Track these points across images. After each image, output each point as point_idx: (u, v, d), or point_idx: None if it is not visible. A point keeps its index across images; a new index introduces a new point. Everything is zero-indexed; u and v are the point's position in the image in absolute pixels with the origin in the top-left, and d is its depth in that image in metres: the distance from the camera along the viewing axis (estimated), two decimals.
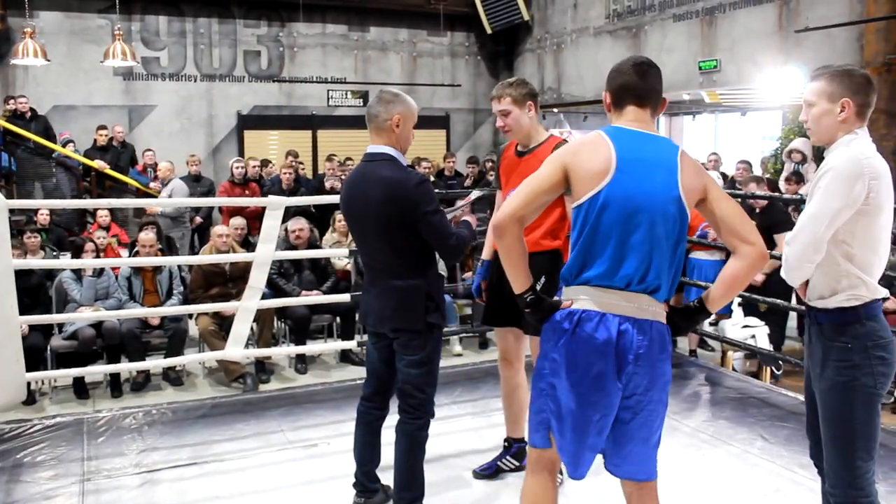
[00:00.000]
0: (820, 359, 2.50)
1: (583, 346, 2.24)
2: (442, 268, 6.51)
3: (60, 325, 5.83)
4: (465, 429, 4.43)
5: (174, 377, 5.95)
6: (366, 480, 3.37)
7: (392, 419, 3.27)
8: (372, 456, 3.35)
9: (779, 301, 5.11)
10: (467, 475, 3.77)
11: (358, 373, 6.05)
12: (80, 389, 5.68)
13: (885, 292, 2.49)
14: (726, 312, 6.21)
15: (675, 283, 2.34)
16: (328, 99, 12.33)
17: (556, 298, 2.39)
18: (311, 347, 6.26)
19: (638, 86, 2.36)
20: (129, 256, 6.91)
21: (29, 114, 9.73)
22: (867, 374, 2.41)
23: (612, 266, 2.24)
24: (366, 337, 3.44)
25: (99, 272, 5.89)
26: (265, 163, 9.81)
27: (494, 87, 3.43)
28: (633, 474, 2.36)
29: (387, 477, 3.31)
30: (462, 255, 3.54)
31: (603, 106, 2.48)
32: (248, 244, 7.19)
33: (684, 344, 6.41)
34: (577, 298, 2.29)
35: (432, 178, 9.65)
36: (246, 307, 4.98)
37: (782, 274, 2.49)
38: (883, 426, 4.36)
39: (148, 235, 6.12)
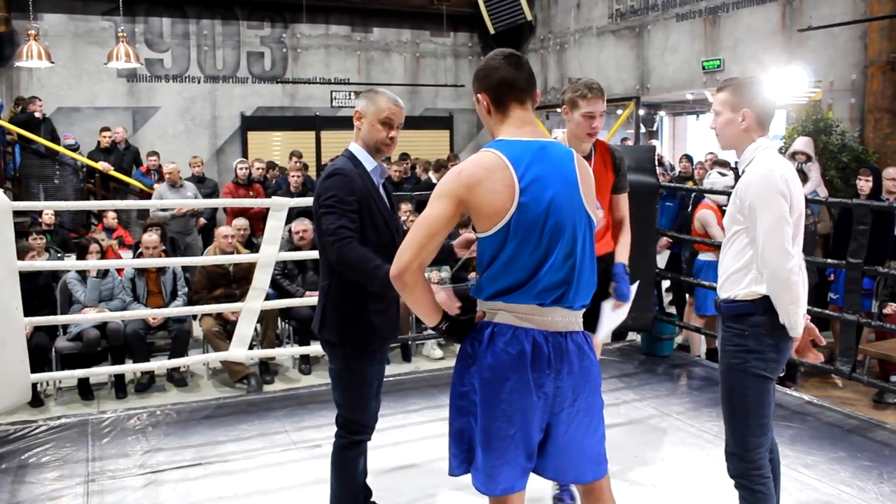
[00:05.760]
0: (720, 342, 2.73)
1: (497, 359, 2.15)
2: (444, 269, 6.51)
3: (65, 327, 5.84)
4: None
5: (178, 378, 5.96)
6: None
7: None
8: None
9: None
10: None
11: None
12: (85, 390, 5.69)
13: None
14: None
15: (592, 289, 2.28)
16: (331, 100, 12.36)
17: (469, 316, 2.26)
18: (314, 348, 6.22)
19: (519, 79, 2.20)
20: (134, 258, 6.91)
21: (40, 115, 9.75)
22: (759, 359, 2.60)
23: (526, 285, 2.15)
24: None
25: (103, 273, 5.90)
26: (271, 165, 9.81)
27: None
28: (579, 478, 2.30)
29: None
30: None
31: (485, 110, 2.23)
32: (251, 245, 7.19)
33: (696, 348, 6.38)
34: (492, 312, 2.21)
35: (434, 179, 9.63)
36: (250, 308, 4.99)
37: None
38: (884, 426, 4.39)
39: (152, 237, 6.13)
